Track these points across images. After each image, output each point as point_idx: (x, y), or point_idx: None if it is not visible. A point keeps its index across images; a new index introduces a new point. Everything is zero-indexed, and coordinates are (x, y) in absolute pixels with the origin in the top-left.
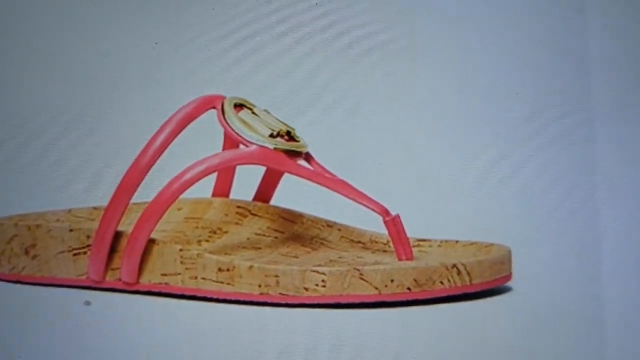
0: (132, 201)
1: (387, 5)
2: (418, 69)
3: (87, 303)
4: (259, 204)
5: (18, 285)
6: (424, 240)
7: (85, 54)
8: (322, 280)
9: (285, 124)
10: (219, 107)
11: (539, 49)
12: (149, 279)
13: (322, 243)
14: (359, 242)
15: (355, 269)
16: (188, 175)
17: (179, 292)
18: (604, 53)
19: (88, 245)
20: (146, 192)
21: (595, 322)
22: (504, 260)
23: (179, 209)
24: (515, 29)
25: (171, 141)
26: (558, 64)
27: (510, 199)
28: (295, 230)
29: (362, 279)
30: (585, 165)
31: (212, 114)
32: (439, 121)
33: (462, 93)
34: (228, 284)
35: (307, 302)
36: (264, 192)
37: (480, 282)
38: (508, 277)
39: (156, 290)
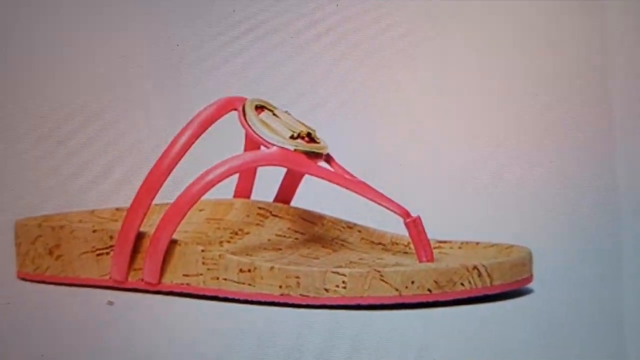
0: (154, 202)
1: (405, 7)
2: (436, 70)
3: (110, 303)
4: (280, 205)
5: (42, 285)
6: (444, 241)
7: (106, 55)
8: (343, 282)
9: (306, 125)
10: (240, 108)
11: (558, 48)
12: (171, 279)
13: (342, 244)
14: (380, 243)
15: (375, 270)
16: (210, 177)
17: (201, 293)
18: (623, 51)
19: (111, 246)
20: (168, 194)
21: (615, 325)
22: (525, 262)
23: (200, 210)
24: (534, 27)
25: (193, 143)
26: (576, 62)
27: (531, 202)
28: (316, 231)
29: (382, 280)
30: (605, 165)
31: (234, 115)
32: (459, 122)
33: (481, 93)
34: (249, 284)
35: (327, 303)
36: (285, 194)
37: (501, 283)
38: (529, 279)
39: (178, 290)
